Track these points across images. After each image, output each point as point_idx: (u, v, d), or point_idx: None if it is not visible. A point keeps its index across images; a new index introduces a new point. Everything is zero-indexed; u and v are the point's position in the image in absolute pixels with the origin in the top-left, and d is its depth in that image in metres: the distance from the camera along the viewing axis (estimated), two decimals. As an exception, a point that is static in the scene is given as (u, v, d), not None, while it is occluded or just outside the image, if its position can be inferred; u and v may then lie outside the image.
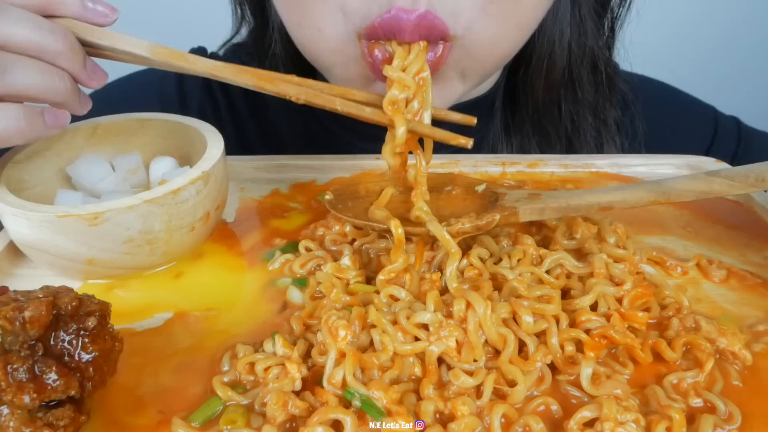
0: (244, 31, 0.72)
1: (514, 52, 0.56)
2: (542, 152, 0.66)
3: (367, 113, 0.44)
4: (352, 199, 0.48)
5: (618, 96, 0.69)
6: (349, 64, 0.52)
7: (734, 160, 0.72)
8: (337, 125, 0.70)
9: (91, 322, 0.32)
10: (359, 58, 0.50)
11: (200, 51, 0.77)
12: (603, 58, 0.67)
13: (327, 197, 0.47)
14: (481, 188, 0.48)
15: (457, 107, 0.61)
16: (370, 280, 0.43)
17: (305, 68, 0.61)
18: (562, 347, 0.37)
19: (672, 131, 0.74)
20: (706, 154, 0.63)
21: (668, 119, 0.74)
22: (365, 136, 0.60)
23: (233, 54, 0.75)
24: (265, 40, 0.67)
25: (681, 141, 0.70)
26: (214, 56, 0.76)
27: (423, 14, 0.45)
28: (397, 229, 0.42)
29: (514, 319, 0.38)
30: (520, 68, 0.65)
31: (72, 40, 0.41)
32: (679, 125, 0.76)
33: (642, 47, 0.71)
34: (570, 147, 0.67)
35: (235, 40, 0.74)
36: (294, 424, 0.33)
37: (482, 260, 0.43)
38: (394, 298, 0.40)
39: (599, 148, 0.68)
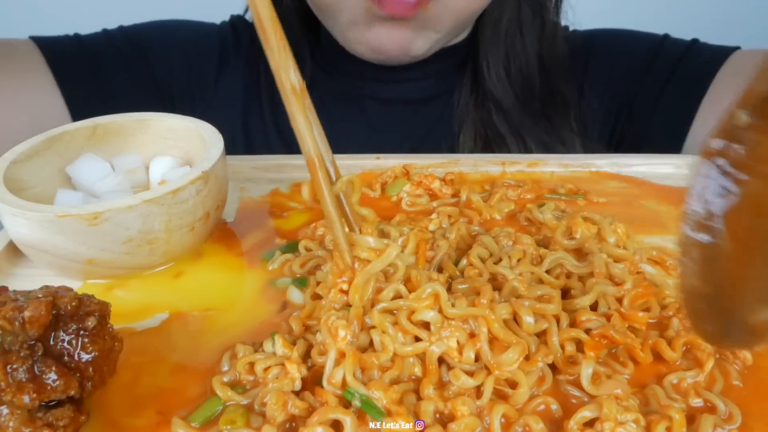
0: None
1: (481, 7, 0.67)
2: (494, 91, 0.74)
3: None
4: None
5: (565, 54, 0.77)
6: (353, 7, 0.62)
7: (670, 75, 0.73)
8: (348, 77, 0.77)
9: (91, 322, 0.32)
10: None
11: (240, 17, 0.83)
12: (546, 6, 0.75)
13: None
14: None
15: (433, 56, 0.72)
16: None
17: (311, 22, 0.74)
18: (562, 347, 0.37)
19: (616, 66, 0.77)
20: (638, 72, 0.73)
21: (616, 57, 0.78)
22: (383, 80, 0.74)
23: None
24: None
25: (620, 70, 0.76)
26: (251, 24, 0.83)
27: None
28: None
29: (515, 319, 0.38)
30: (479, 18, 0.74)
31: None
32: (623, 55, 0.78)
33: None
34: (517, 86, 0.74)
35: None
36: (294, 424, 0.33)
37: (482, 260, 0.43)
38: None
39: (552, 91, 0.75)
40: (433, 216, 0.50)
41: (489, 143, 0.73)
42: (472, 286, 0.40)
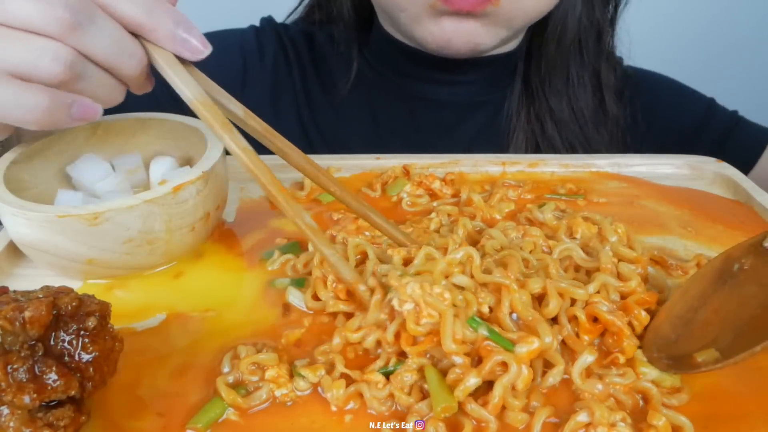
0: None
1: (549, 9, 0.67)
2: (551, 105, 0.75)
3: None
4: None
5: (619, 80, 0.79)
6: (414, 5, 0.62)
7: (719, 146, 0.77)
8: (398, 76, 0.77)
9: (91, 323, 0.32)
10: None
11: (269, 20, 0.83)
12: (607, 30, 0.77)
13: None
14: None
15: (487, 60, 0.73)
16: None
17: (364, 19, 0.77)
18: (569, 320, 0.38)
19: (666, 119, 0.81)
20: (690, 136, 0.77)
21: (665, 109, 0.81)
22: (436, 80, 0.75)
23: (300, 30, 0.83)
24: None
25: (670, 124, 0.80)
26: (282, 26, 0.84)
27: None
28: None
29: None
30: (538, 33, 0.75)
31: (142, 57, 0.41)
32: (674, 112, 0.81)
33: (645, 45, 0.81)
34: (575, 102, 0.76)
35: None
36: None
37: (496, 251, 0.44)
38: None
39: (603, 109, 0.77)
40: (433, 215, 0.50)
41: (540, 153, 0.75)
42: (500, 259, 0.40)
